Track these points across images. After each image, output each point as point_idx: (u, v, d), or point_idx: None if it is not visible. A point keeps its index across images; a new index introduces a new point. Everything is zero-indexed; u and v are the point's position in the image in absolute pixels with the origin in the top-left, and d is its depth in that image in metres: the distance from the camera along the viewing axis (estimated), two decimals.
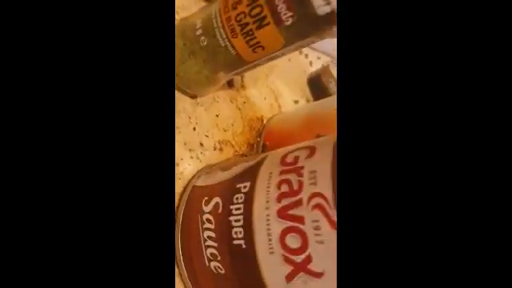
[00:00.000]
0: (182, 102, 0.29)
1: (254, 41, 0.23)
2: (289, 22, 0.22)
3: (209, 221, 0.22)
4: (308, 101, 0.51)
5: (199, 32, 0.24)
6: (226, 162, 0.28)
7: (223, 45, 0.23)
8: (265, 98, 0.40)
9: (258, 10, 0.22)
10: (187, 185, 0.26)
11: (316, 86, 0.52)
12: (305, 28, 0.22)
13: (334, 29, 0.22)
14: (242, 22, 0.22)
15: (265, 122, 0.38)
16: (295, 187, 0.19)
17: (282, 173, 0.20)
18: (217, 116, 0.32)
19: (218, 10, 0.23)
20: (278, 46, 0.23)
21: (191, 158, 0.28)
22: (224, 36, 0.23)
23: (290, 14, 0.21)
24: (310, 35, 0.23)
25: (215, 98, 0.32)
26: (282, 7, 0.21)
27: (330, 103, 0.42)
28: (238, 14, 0.23)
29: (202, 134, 0.30)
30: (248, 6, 0.22)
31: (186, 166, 0.27)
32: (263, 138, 0.36)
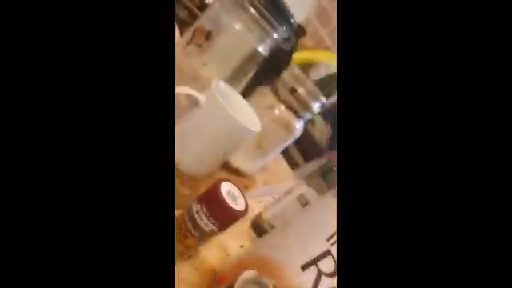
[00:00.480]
0: None
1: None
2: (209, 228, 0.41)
3: None
4: (253, 241, 0.67)
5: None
6: None
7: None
8: (214, 253, 0.56)
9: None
10: None
11: (257, 227, 0.70)
12: None
13: None
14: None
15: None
16: None
17: None
18: (181, 280, 0.48)
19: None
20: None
21: None
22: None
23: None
24: None
25: (179, 272, 0.49)
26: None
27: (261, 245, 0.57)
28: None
29: None
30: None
31: None
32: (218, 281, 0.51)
